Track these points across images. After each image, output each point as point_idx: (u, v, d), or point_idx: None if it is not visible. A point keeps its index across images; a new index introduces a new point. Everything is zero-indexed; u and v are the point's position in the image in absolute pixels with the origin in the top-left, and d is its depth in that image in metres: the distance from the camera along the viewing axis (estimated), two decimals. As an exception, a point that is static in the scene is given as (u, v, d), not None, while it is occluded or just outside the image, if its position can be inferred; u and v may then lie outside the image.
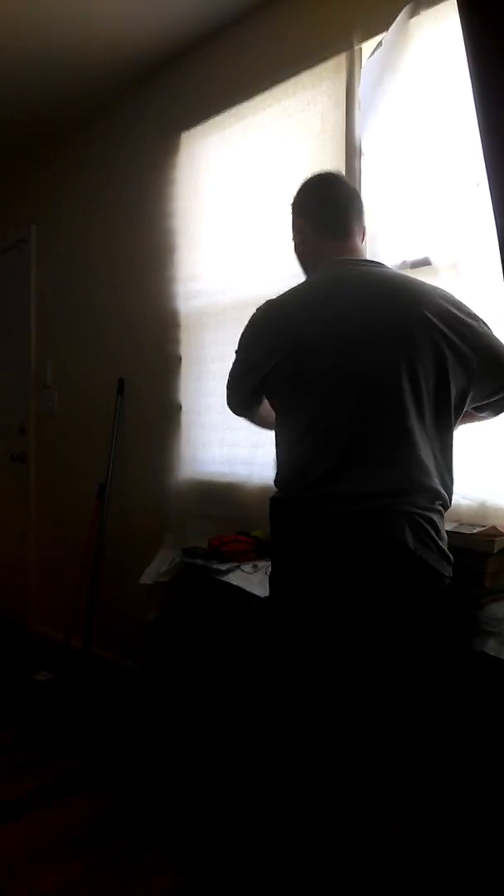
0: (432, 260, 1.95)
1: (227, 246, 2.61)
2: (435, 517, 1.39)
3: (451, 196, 1.95)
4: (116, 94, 3.17)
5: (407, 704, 1.39)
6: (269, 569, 1.57)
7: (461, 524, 1.70)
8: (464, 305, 1.48)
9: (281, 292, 2.42)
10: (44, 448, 3.73)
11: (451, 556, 1.42)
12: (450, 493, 1.45)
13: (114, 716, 2.60)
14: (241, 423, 2.49)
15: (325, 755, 1.43)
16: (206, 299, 2.69)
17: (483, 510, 1.79)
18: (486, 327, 1.48)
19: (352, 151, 2.20)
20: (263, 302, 1.60)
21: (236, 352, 1.65)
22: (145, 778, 2.17)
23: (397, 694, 1.38)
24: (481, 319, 1.49)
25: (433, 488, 1.39)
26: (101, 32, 2.68)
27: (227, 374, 1.67)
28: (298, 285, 1.61)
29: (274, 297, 1.60)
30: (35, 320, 3.78)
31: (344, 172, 2.20)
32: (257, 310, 1.60)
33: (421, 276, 1.71)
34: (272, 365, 1.50)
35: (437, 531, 1.39)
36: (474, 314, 1.48)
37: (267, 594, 1.96)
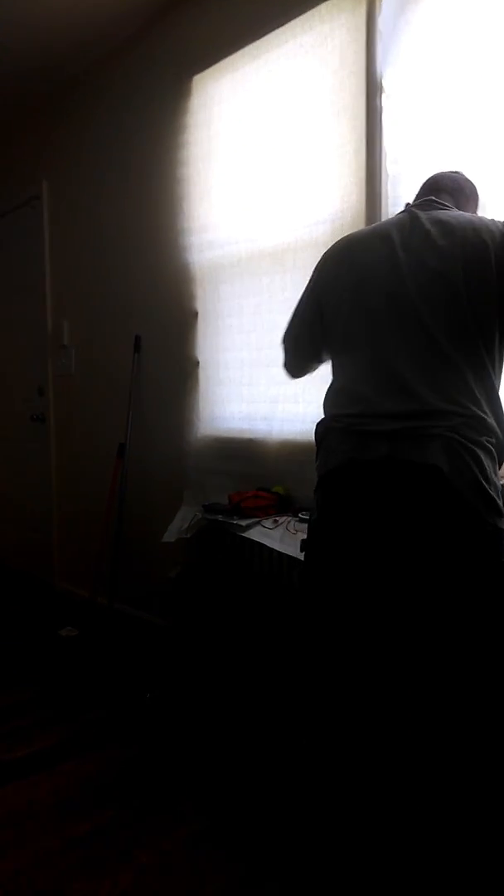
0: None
1: (242, 194, 2.52)
2: (480, 452, 1.32)
3: (479, 134, 1.85)
4: (124, 39, 3.06)
5: (433, 643, 1.38)
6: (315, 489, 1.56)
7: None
8: None
9: (298, 242, 2.37)
10: (63, 408, 3.72)
11: (503, 510, 1.34)
12: None
13: (139, 669, 2.64)
14: (260, 378, 2.48)
15: (355, 670, 1.47)
16: (221, 250, 2.62)
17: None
18: None
19: (373, 89, 2.09)
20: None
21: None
22: (172, 730, 2.20)
23: (425, 631, 1.38)
24: None
25: (478, 415, 1.34)
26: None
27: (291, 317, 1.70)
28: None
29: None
30: (50, 279, 3.73)
31: (364, 111, 2.11)
32: (326, 251, 1.65)
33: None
34: (334, 299, 1.54)
35: (481, 467, 1.32)
36: None
37: (286, 549, 1.97)
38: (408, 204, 1.57)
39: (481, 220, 1.45)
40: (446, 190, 1.59)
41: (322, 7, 2.21)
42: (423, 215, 1.48)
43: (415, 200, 1.61)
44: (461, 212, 1.53)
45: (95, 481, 3.34)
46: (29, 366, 3.93)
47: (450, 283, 1.37)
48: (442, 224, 1.44)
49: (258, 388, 2.49)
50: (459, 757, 1.38)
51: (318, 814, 1.59)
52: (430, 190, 1.60)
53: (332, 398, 1.53)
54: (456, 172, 1.65)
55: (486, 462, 1.34)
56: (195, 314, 2.77)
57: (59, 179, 3.61)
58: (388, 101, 2.07)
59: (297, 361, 1.74)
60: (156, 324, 3.01)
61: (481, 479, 1.32)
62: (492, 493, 1.33)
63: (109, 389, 3.29)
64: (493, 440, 1.37)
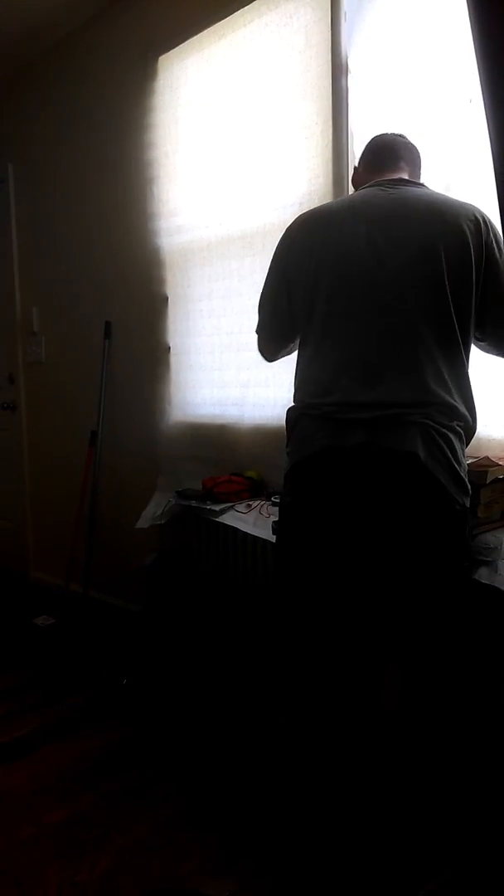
0: (423, 181, 1.87)
1: (211, 176, 2.50)
2: (452, 436, 1.36)
3: (443, 114, 1.85)
4: (87, 20, 3.00)
5: (404, 615, 1.41)
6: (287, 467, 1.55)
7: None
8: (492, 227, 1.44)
9: (267, 225, 2.35)
10: (34, 396, 3.68)
11: (469, 487, 1.39)
12: (473, 418, 1.44)
13: (116, 656, 2.65)
14: (231, 363, 2.47)
15: (328, 647, 1.49)
16: (190, 234, 2.60)
17: (476, 441, 1.76)
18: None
19: (338, 69, 2.08)
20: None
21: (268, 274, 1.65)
22: (150, 714, 2.22)
23: (396, 605, 1.41)
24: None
25: (450, 403, 1.37)
26: None
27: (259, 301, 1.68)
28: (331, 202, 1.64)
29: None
30: (18, 264, 3.67)
31: (330, 92, 2.10)
32: (290, 226, 1.62)
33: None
34: (304, 277, 1.51)
35: (453, 451, 1.36)
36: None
37: (260, 533, 1.98)
38: (377, 181, 1.55)
39: (460, 204, 1.46)
40: (404, 158, 1.59)
41: (286, -16, 2.19)
42: (396, 197, 1.47)
43: (374, 172, 1.59)
44: (430, 191, 1.53)
45: (68, 469, 3.32)
46: (-2, 353, 3.88)
47: (432, 271, 1.38)
48: (421, 207, 1.44)
49: (229, 373, 2.49)
50: (429, 732, 1.42)
51: (296, 790, 1.61)
52: (387, 159, 1.59)
53: (307, 385, 1.50)
54: (401, 136, 1.64)
55: (457, 444, 1.38)
56: (165, 299, 2.75)
57: (24, 163, 3.54)
58: (353, 82, 2.06)
59: (272, 345, 1.71)
60: (126, 309, 2.98)
61: (454, 462, 1.36)
62: (461, 473, 1.38)
63: (81, 376, 3.25)
64: (463, 424, 1.40)
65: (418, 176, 1.63)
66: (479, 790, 1.54)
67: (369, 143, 1.68)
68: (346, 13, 2.04)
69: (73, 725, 2.17)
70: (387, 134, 1.66)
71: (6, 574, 3.84)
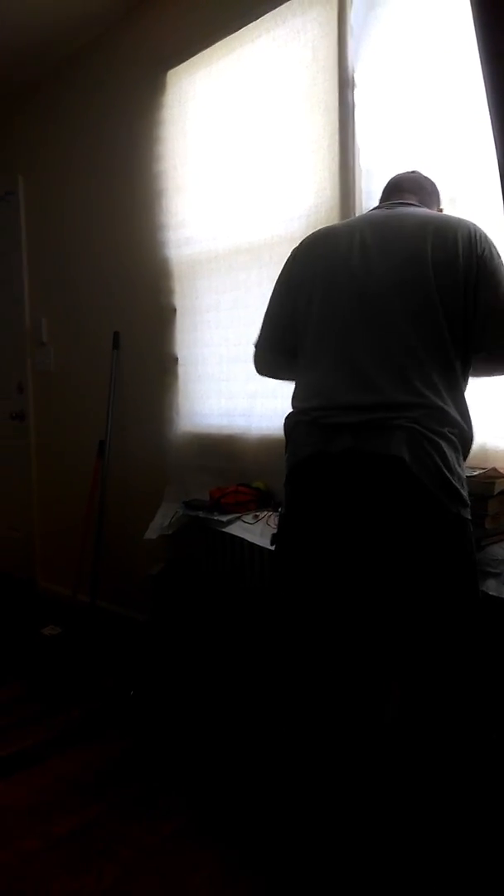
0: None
1: (219, 189, 2.52)
2: (442, 442, 1.34)
3: (449, 128, 1.86)
4: (97, 34, 3.03)
5: (402, 630, 1.41)
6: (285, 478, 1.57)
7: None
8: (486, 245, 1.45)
9: (274, 237, 2.37)
10: (42, 406, 3.70)
11: (467, 500, 1.37)
12: (467, 426, 1.42)
13: (123, 666, 2.64)
14: (238, 373, 2.48)
15: (328, 659, 1.49)
16: (199, 246, 2.62)
17: (483, 453, 1.77)
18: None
19: (345, 83, 2.10)
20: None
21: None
22: (156, 725, 2.21)
23: (392, 615, 1.41)
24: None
25: (439, 406, 1.36)
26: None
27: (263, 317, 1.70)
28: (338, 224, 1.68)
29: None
30: (27, 275, 3.70)
31: (337, 106, 2.12)
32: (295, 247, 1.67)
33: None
34: (303, 296, 1.56)
35: (443, 457, 1.34)
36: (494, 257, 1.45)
37: (267, 544, 1.98)
38: (377, 207, 1.62)
39: (454, 219, 1.48)
40: (409, 190, 1.63)
41: (294, 1, 2.21)
42: (391, 213, 1.52)
43: (380, 203, 1.65)
44: (427, 209, 1.57)
45: (76, 479, 3.33)
46: (8, 363, 3.90)
47: (419, 277, 1.39)
48: (409, 220, 1.47)
49: (237, 384, 2.50)
50: (431, 739, 1.41)
51: (302, 804, 1.60)
52: (393, 192, 1.65)
53: (299, 392, 1.55)
54: (413, 172, 1.69)
55: (449, 453, 1.36)
56: (173, 310, 2.76)
57: (34, 175, 3.58)
58: (360, 96, 2.08)
59: (268, 355, 1.70)
60: (134, 320, 3.00)
61: (444, 469, 1.34)
62: (455, 483, 1.35)
63: (89, 387, 3.27)
64: (456, 431, 1.38)
65: (430, 205, 1.65)
66: (483, 801, 1.52)
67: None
68: (352, 28, 2.06)
69: (79, 736, 2.17)
70: (400, 173, 1.71)
71: (14, 583, 3.85)
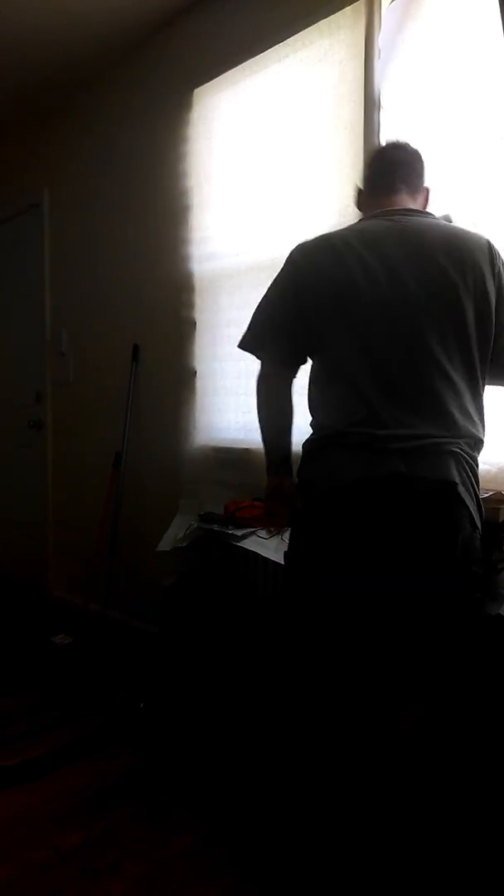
0: (452, 217, 1.89)
1: (242, 206, 2.54)
2: (476, 465, 1.42)
3: (474, 150, 1.87)
4: (126, 51, 3.09)
5: (420, 654, 1.41)
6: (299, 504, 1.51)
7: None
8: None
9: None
10: (60, 416, 3.73)
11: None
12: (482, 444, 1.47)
13: (133, 678, 2.64)
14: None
15: (344, 685, 1.48)
16: (221, 262, 2.64)
17: (489, 474, 1.75)
18: None
19: (371, 104, 2.12)
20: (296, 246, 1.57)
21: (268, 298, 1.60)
22: (165, 738, 2.20)
23: (413, 644, 1.41)
24: None
25: (476, 435, 1.41)
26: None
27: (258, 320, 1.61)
28: (331, 232, 1.57)
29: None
30: (49, 286, 3.75)
31: (362, 127, 2.13)
32: (292, 254, 1.57)
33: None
34: (315, 302, 1.48)
35: (477, 480, 1.42)
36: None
37: (282, 560, 1.97)
38: (382, 210, 1.53)
39: (471, 234, 1.48)
40: (405, 181, 1.57)
41: (322, 24, 2.23)
42: (407, 227, 1.46)
43: (373, 192, 1.59)
44: (446, 223, 1.54)
45: (91, 489, 3.35)
46: (27, 373, 3.94)
47: (454, 303, 1.39)
48: (429, 236, 1.44)
49: (254, 398, 2.50)
50: (441, 753, 1.41)
51: (314, 822, 1.59)
52: (388, 180, 1.57)
53: (330, 412, 1.48)
54: (402, 148, 1.60)
55: (477, 473, 1.43)
56: (193, 324, 2.78)
57: (59, 188, 3.64)
58: (385, 117, 2.10)
59: (276, 362, 1.61)
60: (154, 333, 3.02)
61: (477, 490, 1.41)
62: (481, 502, 1.43)
63: (107, 398, 3.30)
64: (479, 451, 1.45)
65: (418, 187, 1.60)
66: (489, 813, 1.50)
67: (372, 159, 1.67)
68: (379, 50, 2.08)
69: (89, 748, 2.16)
70: (387, 149, 1.64)
71: (27, 591, 3.86)
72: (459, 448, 1.37)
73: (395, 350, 1.40)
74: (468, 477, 1.38)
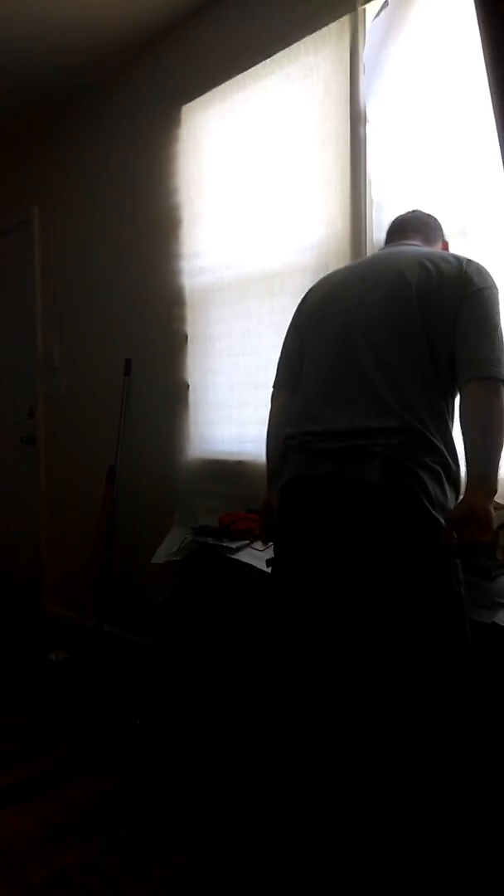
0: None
1: (232, 220, 2.56)
2: (422, 472, 1.36)
3: (459, 161, 1.90)
4: (113, 68, 3.11)
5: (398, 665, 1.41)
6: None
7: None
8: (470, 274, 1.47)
9: (285, 267, 2.42)
10: (53, 430, 3.73)
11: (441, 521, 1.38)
12: (452, 457, 1.43)
13: (129, 693, 2.62)
14: (249, 400, 2.49)
15: (327, 705, 1.52)
16: (212, 275, 2.66)
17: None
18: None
19: (356, 118, 2.15)
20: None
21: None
22: (162, 755, 2.18)
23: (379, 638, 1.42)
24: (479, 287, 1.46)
25: (420, 431, 1.38)
26: (95, 4, 2.62)
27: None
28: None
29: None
30: (40, 302, 3.75)
31: (349, 140, 2.16)
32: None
33: (429, 244, 1.70)
34: (306, 327, 1.68)
35: (423, 487, 1.36)
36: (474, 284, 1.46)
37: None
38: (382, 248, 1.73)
39: (442, 252, 1.58)
40: (413, 229, 1.70)
41: (307, 40, 2.27)
42: (392, 251, 1.62)
43: (385, 244, 1.74)
44: (428, 248, 1.63)
45: (85, 503, 3.34)
46: (19, 388, 3.94)
47: (403, 307, 1.45)
48: (402, 255, 1.55)
49: (247, 411, 2.51)
50: (430, 765, 1.40)
51: (304, 839, 1.58)
52: (397, 232, 1.72)
53: (290, 419, 1.63)
54: (414, 211, 1.75)
55: (430, 483, 1.37)
56: (185, 337, 2.79)
57: (50, 205, 3.65)
58: (371, 131, 2.12)
59: (281, 392, 1.76)
60: (146, 347, 3.03)
61: (423, 499, 1.35)
62: (435, 513, 1.36)
63: (100, 412, 3.30)
64: (439, 461, 1.39)
65: (433, 239, 1.71)
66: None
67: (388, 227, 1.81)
68: (364, 65, 2.11)
69: (86, 764, 2.14)
70: (402, 214, 1.78)
71: (21, 607, 3.84)
72: (395, 451, 1.36)
73: (347, 358, 1.49)
74: (406, 482, 1.35)
